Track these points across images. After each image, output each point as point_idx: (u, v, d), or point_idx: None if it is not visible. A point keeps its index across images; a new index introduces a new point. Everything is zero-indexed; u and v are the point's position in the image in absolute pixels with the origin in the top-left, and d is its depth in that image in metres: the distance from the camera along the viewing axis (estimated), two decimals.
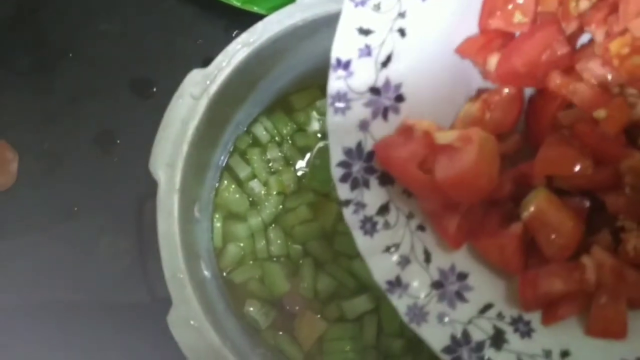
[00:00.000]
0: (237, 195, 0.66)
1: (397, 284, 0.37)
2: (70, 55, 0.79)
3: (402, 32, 0.39)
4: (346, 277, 0.65)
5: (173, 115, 0.51)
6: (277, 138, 0.69)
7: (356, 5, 0.38)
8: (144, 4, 0.80)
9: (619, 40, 0.36)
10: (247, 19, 0.55)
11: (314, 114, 0.69)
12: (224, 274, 0.64)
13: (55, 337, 0.64)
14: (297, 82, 0.68)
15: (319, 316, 0.65)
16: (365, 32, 0.38)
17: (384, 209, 0.38)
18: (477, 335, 0.37)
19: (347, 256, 0.66)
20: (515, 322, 0.37)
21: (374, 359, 0.65)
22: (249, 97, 0.61)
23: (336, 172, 0.39)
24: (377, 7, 0.38)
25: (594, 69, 0.37)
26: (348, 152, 0.38)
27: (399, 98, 0.39)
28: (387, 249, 0.38)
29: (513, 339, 0.37)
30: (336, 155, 0.38)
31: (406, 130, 0.38)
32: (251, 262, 0.66)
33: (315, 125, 0.69)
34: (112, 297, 0.55)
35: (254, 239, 0.66)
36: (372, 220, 0.38)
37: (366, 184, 0.38)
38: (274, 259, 0.66)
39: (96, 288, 0.55)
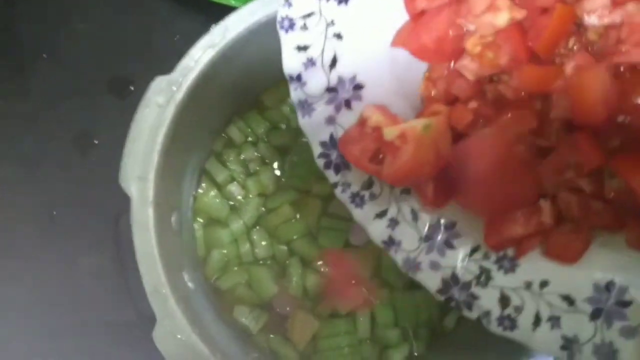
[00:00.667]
0: (217, 200, 0.66)
1: (390, 242, 0.43)
2: (45, 56, 0.78)
3: (338, 36, 0.45)
4: None
5: (140, 126, 0.50)
6: (251, 138, 0.68)
7: (286, 31, 0.45)
8: (119, 2, 0.78)
9: (471, 40, 0.41)
10: (226, 14, 0.53)
11: (287, 110, 0.68)
12: (211, 281, 0.64)
13: None
14: (267, 80, 0.67)
15: (310, 315, 0.64)
16: (303, 48, 0.45)
17: (367, 184, 0.44)
18: (465, 277, 0.41)
19: None
20: (500, 260, 0.41)
21: (371, 351, 0.65)
22: (219, 99, 0.60)
23: (319, 163, 0.45)
24: (304, 27, 0.45)
25: (467, 66, 0.42)
26: (324, 144, 0.45)
27: (358, 87, 0.45)
28: (377, 216, 0.44)
29: (497, 276, 0.41)
30: (316, 149, 0.45)
31: (362, 124, 0.43)
32: (236, 267, 0.65)
33: (288, 123, 0.68)
34: (98, 318, 0.54)
35: (238, 244, 0.65)
36: (359, 194, 0.44)
37: (347, 167, 0.44)
38: (260, 261, 0.66)
39: (80, 310, 0.53)
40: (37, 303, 0.56)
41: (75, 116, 0.76)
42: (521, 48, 0.40)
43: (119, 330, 0.59)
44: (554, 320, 0.39)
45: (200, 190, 0.66)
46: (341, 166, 0.44)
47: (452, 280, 0.42)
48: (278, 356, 0.64)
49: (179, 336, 0.48)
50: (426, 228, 0.43)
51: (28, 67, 0.78)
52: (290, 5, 0.45)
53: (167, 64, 0.79)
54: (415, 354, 0.65)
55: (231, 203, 0.66)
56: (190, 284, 0.55)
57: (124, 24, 0.79)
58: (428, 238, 0.43)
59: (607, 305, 0.38)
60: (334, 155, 0.44)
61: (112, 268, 0.53)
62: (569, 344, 0.38)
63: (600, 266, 0.39)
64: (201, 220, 0.65)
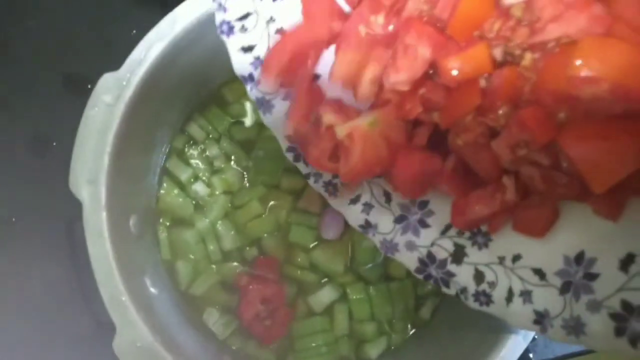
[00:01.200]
0: (180, 200, 0.64)
1: (367, 225, 0.44)
2: None
3: (281, 31, 0.44)
4: (306, 272, 0.64)
5: (88, 128, 0.47)
6: (213, 135, 0.66)
7: (228, 35, 0.45)
8: None
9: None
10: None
11: (248, 104, 0.66)
12: (181, 289, 0.62)
13: None
14: (225, 72, 0.64)
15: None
16: (248, 48, 0.45)
17: None
18: (440, 255, 0.42)
19: (302, 248, 0.64)
20: (474, 235, 0.41)
21: (348, 348, 0.64)
22: (174, 95, 0.58)
23: (288, 156, 0.46)
24: (244, 29, 0.45)
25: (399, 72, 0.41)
26: (289, 138, 0.45)
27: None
28: (352, 201, 0.45)
29: (472, 252, 0.41)
30: (283, 144, 0.46)
31: (317, 123, 0.42)
32: (206, 270, 0.63)
33: (251, 116, 0.67)
34: (55, 329, 0.51)
35: (205, 244, 0.63)
36: (331, 183, 0.45)
37: None
38: (228, 256, 0.64)
39: (37, 322, 0.51)
40: None
41: (31, 117, 0.74)
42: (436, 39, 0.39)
43: (77, 341, 0.57)
44: (526, 295, 0.38)
45: (162, 191, 0.64)
46: None
47: (429, 259, 0.42)
48: (253, 359, 0.62)
49: (139, 345, 0.46)
50: (400, 208, 0.44)
51: None
52: (225, 10, 0.45)
53: (124, 60, 0.78)
54: (392, 347, 0.64)
55: (194, 202, 0.64)
56: (153, 290, 0.53)
57: (78, 19, 0.76)
58: (403, 218, 0.43)
59: (575, 278, 0.37)
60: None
61: (69, 276, 0.51)
62: (541, 319, 0.38)
63: (570, 238, 0.38)
64: (165, 222, 0.63)
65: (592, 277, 0.37)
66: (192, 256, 0.63)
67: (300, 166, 0.45)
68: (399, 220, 0.44)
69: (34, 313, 0.52)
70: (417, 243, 0.43)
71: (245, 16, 0.45)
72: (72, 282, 0.50)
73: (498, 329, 0.53)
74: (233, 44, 0.45)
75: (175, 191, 0.64)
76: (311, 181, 0.45)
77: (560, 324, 0.37)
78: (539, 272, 0.39)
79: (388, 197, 0.44)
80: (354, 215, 0.45)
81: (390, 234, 0.44)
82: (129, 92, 0.48)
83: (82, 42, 0.76)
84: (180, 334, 0.53)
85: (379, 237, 0.44)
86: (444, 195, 0.42)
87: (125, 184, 0.50)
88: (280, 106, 0.44)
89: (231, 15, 0.45)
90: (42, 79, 0.75)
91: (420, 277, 0.42)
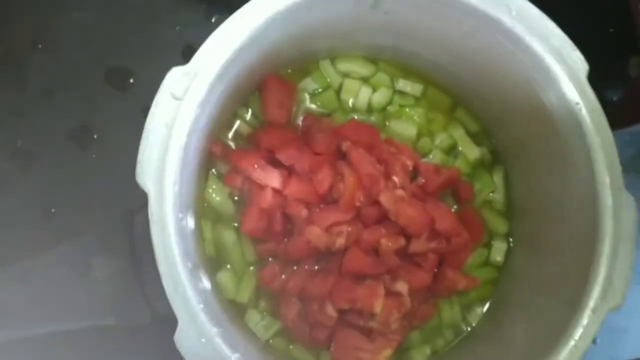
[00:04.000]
0: (220, 198, 0.65)
1: None
2: (40, 46, 0.77)
3: None
4: None
5: (156, 120, 0.49)
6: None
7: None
8: None
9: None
10: (228, 3, 0.53)
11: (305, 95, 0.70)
12: (229, 298, 0.64)
13: None
14: (280, 67, 0.68)
15: None
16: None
17: None
18: None
19: None
20: None
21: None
22: (229, 92, 0.60)
23: None
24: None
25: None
26: None
27: None
28: None
29: None
30: None
31: None
32: (245, 274, 0.65)
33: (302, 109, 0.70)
34: (112, 321, 0.53)
35: (241, 245, 0.65)
36: None
37: None
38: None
39: (94, 314, 0.53)
40: (40, 310, 0.55)
41: (73, 109, 0.76)
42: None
43: (134, 334, 0.59)
44: None
45: (207, 188, 0.65)
46: None
47: None
48: None
49: (202, 339, 0.48)
50: None
51: (22, 57, 0.77)
52: None
53: (167, 55, 0.80)
54: (437, 354, 0.66)
55: (236, 198, 0.66)
56: (206, 284, 0.54)
57: (122, 13, 0.78)
58: None
59: None
60: None
61: (123, 268, 0.53)
62: None
63: None
64: (209, 219, 0.65)
65: None
66: (228, 266, 0.65)
67: None
68: None
69: (83, 305, 0.54)
70: None
71: None
72: (131, 275, 0.52)
73: (549, 338, 0.55)
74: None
75: (218, 188, 0.66)
76: None
77: None
78: None
79: None
80: None
81: None
82: (197, 86, 0.50)
83: (125, 36, 0.78)
84: (231, 330, 0.54)
85: None
86: None
87: (186, 178, 0.52)
88: None
89: None
90: (85, 71, 0.77)
91: None
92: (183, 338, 0.47)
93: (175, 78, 0.50)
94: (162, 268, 0.48)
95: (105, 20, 0.78)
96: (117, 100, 0.78)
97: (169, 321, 0.49)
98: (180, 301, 0.48)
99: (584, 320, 0.52)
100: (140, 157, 0.49)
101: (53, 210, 0.73)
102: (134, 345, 0.61)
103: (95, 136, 0.76)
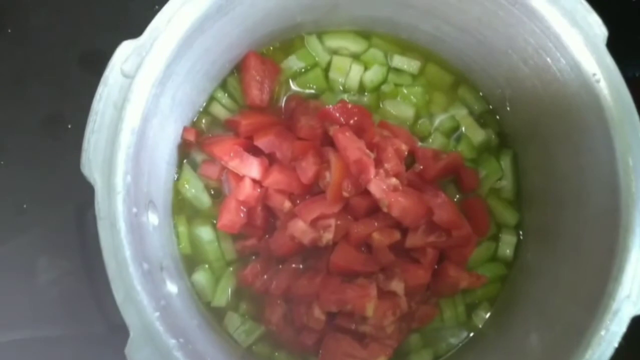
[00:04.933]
0: (196, 190, 0.59)
1: None
2: (9, 30, 0.72)
3: None
4: None
5: (103, 101, 0.43)
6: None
7: None
8: None
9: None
10: None
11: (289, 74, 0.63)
12: (207, 301, 0.58)
13: None
14: (261, 43, 0.61)
15: None
16: None
17: None
18: None
19: None
20: None
21: None
22: (199, 69, 0.54)
23: None
24: None
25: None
26: None
27: None
28: None
29: None
30: None
31: None
32: (224, 274, 0.59)
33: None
34: (61, 332, 0.47)
35: (219, 241, 0.59)
36: None
37: None
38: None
39: (38, 321, 0.47)
40: None
41: (45, 97, 0.71)
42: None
43: (86, 344, 0.53)
44: None
45: (179, 178, 0.59)
46: None
47: None
48: None
49: (156, 351, 0.42)
50: None
51: None
52: None
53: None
54: (440, 358, 0.60)
55: (212, 191, 0.60)
56: (171, 288, 0.48)
57: None
58: None
59: None
60: None
61: (79, 271, 0.47)
62: None
63: None
64: (183, 213, 0.59)
65: None
66: (206, 265, 0.59)
67: None
68: None
69: (40, 311, 0.48)
70: None
71: None
72: (82, 277, 0.46)
73: (566, 344, 0.48)
74: None
75: (193, 179, 0.59)
76: None
77: None
78: None
79: None
80: None
81: None
82: (151, 62, 0.44)
83: (100, 17, 0.73)
84: (200, 340, 0.48)
85: None
86: None
87: (144, 167, 0.46)
88: None
89: None
90: (57, 55, 0.72)
91: None
92: (135, 351, 0.41)
93: (125, 53, 0.44)
94: (111, 271, 0.42)
95: (78, 0, 0.73)
96: (93, 86, 0.72)
97: (126, 331, 0.43)
98: (132, 308, 0.42)
99: (606, 325, 0.45)
100: (85, 144, 0.43)
101: (25, 206, 0.68)
102: (86, 358, 0.55)
103: (69, 126, 0.71)
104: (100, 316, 0.46)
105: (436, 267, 0.59)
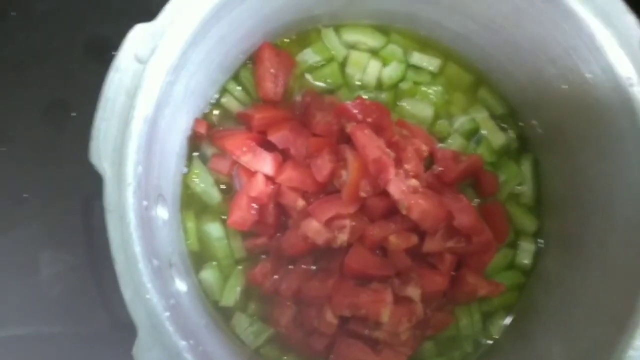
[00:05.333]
0: (205, 185, 0.57)
1: None
2: (14, 14, 0.70)
3: None
4: None
5: (114, 88, 0.41)
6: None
7: None
8: None
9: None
10: None
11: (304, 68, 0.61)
12: (215, 300, 0.56)
13: None
14: (276, 35, 0.59)
15: None
16: None
17: None
18: None
19: None
20: None
21: None
22: (213, 59, 0.52)
23: None
24: None
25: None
26: None
27: None
28: None
29: None
30: None
31: None
32: (232, 273, 0.57)
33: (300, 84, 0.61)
34: (63, 328, 0.45)
35: (229, 239, 0.57)
36: None
37: None
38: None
39: (38, 318, 0.44)
40: None
41: (50, 84, 0.68)
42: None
43: (89, 344, 0.50)
44: None
45: (189, 172, 0.57)
46: None
47: None
48: None
49: (165, 353, 0.39)
50: None
51: None
52: None
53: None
54: None
55: (223, 187, 0.58)
56: (180, 286, 0.46)
57: None
58: None
59: None
60: None
61: (83, 266, 0.44)
62: None
63: None
64: (192, 209, 0.57)
65: None
66: (214, 263, 0.57)
67: None
68: None
69: (41, 307, 0.46)
70: None
71: None
72: (87, 273, 0.43)
73: (582, 357, 0.46)
74: None
75: (203, 173, 0.57)
76: None
77: None
78: None
79: None
80: None
81: None
82: (166, 47, 0.41)
83: (107, 2, 0.71)
84: (208, 341, 0.46)
85: None
86: None
87: (154, 159, 0.44)
88: None
89: None
90: (62, 40, 0.70)
91: None
92: (143, 352, 0.39)
93: (139, 37, 0.41)
94: (119, 266, 0.39)
95: None
96: (98, 73, 0.70)
97: (133, 330, 0.41)
98: (141, 307, 0.39)
99: (636, 342, 0.42)
100: (95, 132, 0.40)
101: (25, 195, 0.66)
102: (89, 357, 0.52)
103: (73, 114, 0.69)
104: (105, 314, 0.44)
105: (453, 273, 0.56)
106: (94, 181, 0.43)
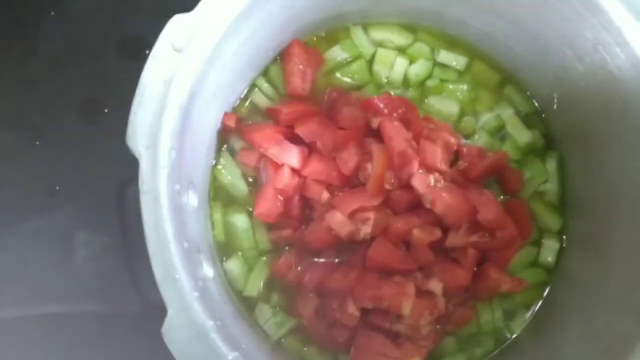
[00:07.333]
0: (232, 177, 0.58)
1: None
2: (52, 13, 0.72)
3: None
4: None
5: (153, 75, 0.43)
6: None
7: None
8: None
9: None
10: None
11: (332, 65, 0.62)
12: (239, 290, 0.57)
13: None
14: (305, 32, 0.61)
15: None
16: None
17: None
18: None
19: None
20: None
21: None
22: (244, 54, 0.53)
23: None
24: None
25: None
26: None
27: None
28: None
29: None
30: None
31: None
32: (256, 265, 0.58)
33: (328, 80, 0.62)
34: (94, 307, 0.47)
35: (254, 231, 0.58)
36: None
37: None
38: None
39: (73, 297, 0.47)
40: (12, 289, 0.49)
41: (84, 80, 0.71)
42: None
43: (120, 323, 0.52)
44: None
45: (218, 165, 0.59)
46: None
47: None
48: None
49: (193, 332, 0.41)
50: None
51: (33, 25, 0.72)
52: None
53: None
54: None
55: (250, 179, 0.59)
56: (208, 271, 0.47)
57: None
58: None
59: None
60: None
61: (115, 250, 0.46)
62: None
63: None
64: (220, 200, 0.59)
65: None
66: (239, 253, 0.58)
67: None
68: None
69: (75, 287, 0.48)
70: None
71: None
72: (119, 256, 0.45)
73: (603, 353, 0.46)
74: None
75: (230, 166, 0.59)
76: None
77: None
78: None
79: None
80: None
81: None
82: (202, 37, 0.43)
83: (142, 2, 0.73)
84: (234, 327, 0.47)
85: None
86: None
87: (186, 147, 0.45)
88: None
89: None
90: (98, 39, 0.72)
91: None
92: (172, 330, 0.41)
93: (177, 27, 0.43)
94: (152, 247, 0.41)
95: None
96: (131, 71, 0.73)
97: (162, 311, 0.42)
98: (171, 286, 0.41)
99: None
100: (132, 116, 0.42)
101: (57, 187, 0.68)
102: (120, 336, 0.54)
103: (106, 110, 0.71)
104: (136, 294, 0.46)
105: (476, 268, 0.57)
106: (126, 171, 0.45)
